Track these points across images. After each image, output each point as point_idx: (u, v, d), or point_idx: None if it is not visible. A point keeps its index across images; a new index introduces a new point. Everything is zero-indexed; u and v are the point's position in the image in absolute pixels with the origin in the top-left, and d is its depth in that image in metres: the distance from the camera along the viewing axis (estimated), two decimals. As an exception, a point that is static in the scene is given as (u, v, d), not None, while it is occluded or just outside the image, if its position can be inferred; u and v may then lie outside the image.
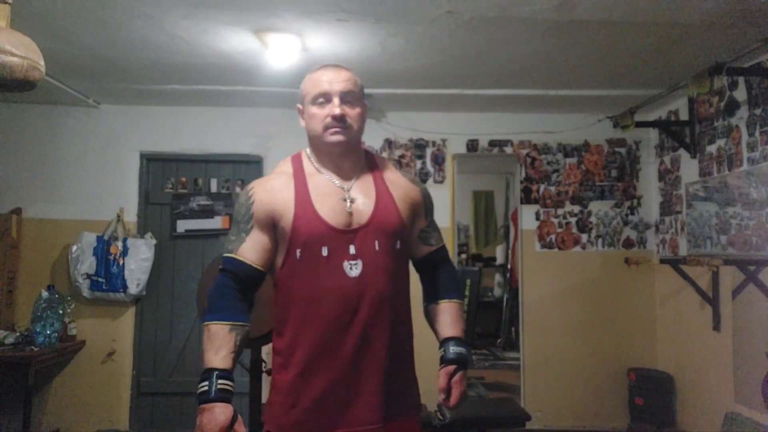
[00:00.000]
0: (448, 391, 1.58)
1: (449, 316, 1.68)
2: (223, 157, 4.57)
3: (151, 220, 4.52)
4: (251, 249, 1.55)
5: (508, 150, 4.71)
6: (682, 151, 4.12)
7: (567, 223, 4.64)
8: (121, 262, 4.23)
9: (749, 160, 3.36)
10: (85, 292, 4.21)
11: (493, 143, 4.69)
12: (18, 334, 3.87)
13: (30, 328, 3.90)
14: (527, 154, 4.68)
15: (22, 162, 4.41)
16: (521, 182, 4.68)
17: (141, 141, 4.52)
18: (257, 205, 1.57)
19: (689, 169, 4.05)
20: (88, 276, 4.19)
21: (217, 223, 4.50)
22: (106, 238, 4.27)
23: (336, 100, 1.56)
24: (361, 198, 1.58)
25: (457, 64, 3.52)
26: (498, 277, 7.39)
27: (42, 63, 1.81)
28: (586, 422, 4.45)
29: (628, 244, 4.63)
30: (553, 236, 4.63)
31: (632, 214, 4.65)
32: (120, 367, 4.37)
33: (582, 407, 4.47)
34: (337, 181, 1.60)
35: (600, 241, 4.63)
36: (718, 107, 3.68)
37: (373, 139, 4.60)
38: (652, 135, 4.65)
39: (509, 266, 6.84)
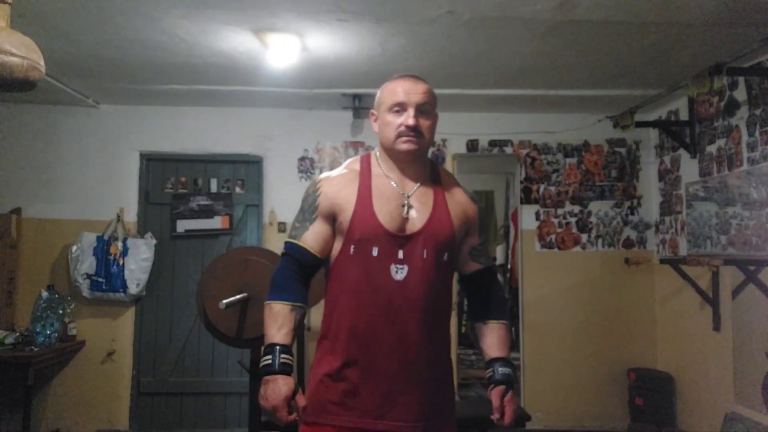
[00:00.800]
0: (501, 409, 1.63)
1: (497, 338, 1.70)
2: (223, 157, 4.57)
3: (151, 220, 4.51)
4: (313, 237, 1.65)
5: (508, 150, 4.70)
6: (682, 151, 4.12)
7: (567, 223, 4.64)
8: (121, 262, 4.23)
9: (749, 160, 3.36)
10: (85, 292, 4.21)
11: (493, 143, 4.69)
12: (18, 334, 3.87)
13: (30, 328, 3.90)
14: (527, 154, 4.68)
15: (22, 162, 4.41)
16: (521, 182, 4.68)
17: (141, 141, 4.52)
18: (323, 197, 1.66)
19: (689, 169, 4.05)
20: (88, 276, 4.19)
21: (216, 223, 4.50)
22: (106, 238, 4.27)
23: (411, 111, 1.62)
24: (418, 206, 1.64)
25: (457, 64, 3.52)
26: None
27: (42, 63, 1.81)
28: (586, 422, 4.45)
29: (628, 244, 4.63)
30: (553, 236, 4.63)
31: (632, 214, 4.65)
32: (120, 367, 4.37)
33: (582, 407, 4.47)
34: (399, 186, 1.67)
35: (600, 241, 4.63)
36: (718, 107, 3.68)
37: (373, 139, 4.60)
38: (652, 135, 4.65)
39: (509, 266, 6.84)
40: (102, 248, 4.23)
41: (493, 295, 1.76)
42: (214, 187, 4.58)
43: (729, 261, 3.40)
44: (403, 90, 1.64)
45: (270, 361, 1.54)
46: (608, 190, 4.67)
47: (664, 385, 4.19)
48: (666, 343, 4.41)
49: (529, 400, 4.47)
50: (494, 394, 1.63)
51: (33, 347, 3.78)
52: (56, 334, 3.92)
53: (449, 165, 4.65)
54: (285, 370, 1.54)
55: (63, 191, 4.43)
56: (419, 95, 1.64)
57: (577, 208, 4.65)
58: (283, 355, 1.55)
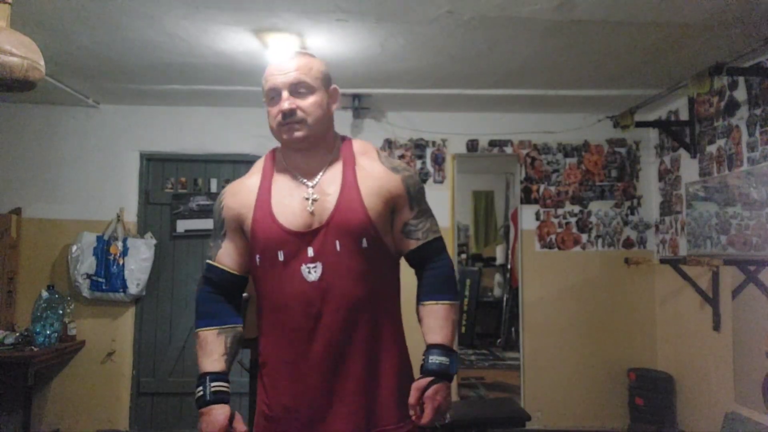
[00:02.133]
0: (419, 407, 1.41)
1: (434, 320, 1.50)
2: (223, 157, 4.57)
3: (151, 220, 4.52)
4: (226, 254, 1.58)
5: (508, 150, 4.71)
6: (682, 151, 4.12)
7: (567, 223, 4.64)
8: (120, 262, 4.23)
9: (749, 160, 3.36)
10: (85, 292, 4.21)
11: (493, 143, 4.69)
12: (18, 334, 3.87)
13: (30, 328, 3.90)
14: (527, 154, 4.68)
15: (22, 162, 4.41)
16: (521, 182, 4.68)
17: (141, 141, 4.52)
18: (225, 210, 1.58)
19: (689, 169, 4.05)
20: (88, 276, 4.19)
21: (217, 223, 4.49)
22: (106, 238, 4.27)
23: (285, 94, 1.45)
24: (323, 195, 1.47)
25: (457, 64, 3.52)
26: (498, 277, 7.39)
27: (42, 63, 1.81)
28: (586, 422, 4.44)
29: (628, 244, 4.63)
30: (553, 236, 4.63)
31: (632, 214, 4.65)
32: (120, 368, 4.37)
33: (582, 407, 4.47)
34: (302, 178, 1.51)
35: (600, 241, 4.63)
36: (718, 107, 3.68)
37: (373, 139, 4.60)
38: (652, 135, 4.65)
39: (509, 266, 6.85)
40: (102, 248, 4.22)
41: (432, 271, 1.54)
42: (214, 187, 4.58)
43: (729, 261, 3.40)
44: (271, 74, 1.48)
45: (201, 393, 1.46)
46: (608, 190, 4.67)
47: (664, 385, 4.19)
48: (666, 343, 4.41)
49: (529, 400, 4.47)
50: (413, 388, 1.43)
51: (33, 347, 3.78)
52: (56, 334, 3.92)
53: (449, 165, 4.65)
54: (218, 399, 1.46)
55: (63, 191, 4.43)
56: (290, 74, 1.45)
57: (577, 208, 4.65)
58: (213, 384, 1.46)
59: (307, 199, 1.48)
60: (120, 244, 4.27)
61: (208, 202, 4.51)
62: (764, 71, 3.22)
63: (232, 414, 1.47)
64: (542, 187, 4.66)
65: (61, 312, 3.95)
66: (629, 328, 4.55)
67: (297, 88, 1.46)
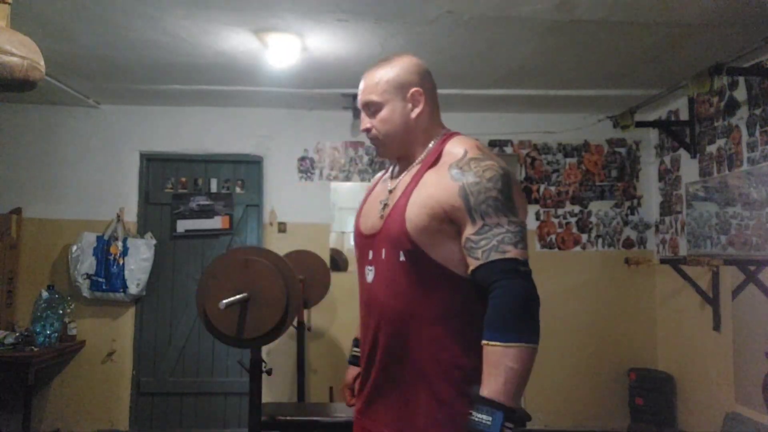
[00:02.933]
0: None
1: (485, 366, 1.27)
2: (223, 157, 4.57)
3: (151, 220, 4.52)
4: None
5: (508, 150, 4.70)
6: (682, 151, 4.12)
7: (567, 223, 4.64)
8: (121, 262, 4.23)
9: (749, 160, 3.36)
10: (85, 292, 4.21)
11: (493, 143, 4.69)
12: (18, 334, 3.87)
13: (30, 328, 3.90)
14: (527, 154, 4.68)
15: (22, 162, 4.41)
16: (521, 182, 4.68)
17: (141, 141, 4.52)
18: None
19: (689, 169, 4.05)
20: (88, 276, 4.19)
21: (217, 223, 4.50)
22: (106, 238, 4.27)
23: (362, 114, 1.52)
24: (392, 201, 1.46)
25: (457, 64, 3.52)
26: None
27: (42, 63, 1.81)
28: (586, 422, 4.44)
29: (628, 244, 4.63)
30: (553, 236, 4.63)
31: (632, 214, 4.65)
32: (120, 367, 4.37)
33: (582, 407, 4.47)
34: (389, 182, 1.56)
35: (600, 241, 4.63)
36: (718, 107, 3.68)
37: (373, 139, 4.60)
38: (652, 135, 4.65)
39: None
40: (102, 248, 4.23)
41: (493, 302, 1.29)
42: (214, 187, 4.58)
43: (729, 261, 3.40)
44: (358, 92, 1.54)
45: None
46: (608, 190, 4.67)
47: (664, 385, 4.19)
48: (666, 343, 4.41)
49: (529, 400, 4.47)
50: None
51: (33, 347, 3.78)
52: (56, 334, 3.92)
53: (449, 165, 4.65)
54: (351, 361, 1.75)
55: (63, 191, 4.43)
56: (364, 95, 1.49)
57: (577, 208, 4.65)
58: (353, 349, 1.74)
59: (382, 203, 1.51)
60: (120, 244, 4.27)
61: (208, 202, 4.51)
62: (764, 71, 3.22)
63: (359, 374, 1.62)
64: (542, 187, 4.66)
65: (61, 312, 3.96)
66: (629, 328, 4.55)
67: (368, 109, 1.50)
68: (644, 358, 4.48)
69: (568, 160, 4.69)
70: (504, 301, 1.27)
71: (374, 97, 1.47)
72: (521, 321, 1.25)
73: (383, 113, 1.47)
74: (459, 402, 1.34)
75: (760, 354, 3.21)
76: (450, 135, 1.51)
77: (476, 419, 1.23)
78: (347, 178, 4.62)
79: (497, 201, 1.32)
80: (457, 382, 1.35)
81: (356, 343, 1.69)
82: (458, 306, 1.38)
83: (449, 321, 1.38)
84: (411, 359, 1.39)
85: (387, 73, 1.48)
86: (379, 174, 1.71)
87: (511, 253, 1.29)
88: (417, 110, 1.48)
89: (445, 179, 1.38)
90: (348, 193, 4.70)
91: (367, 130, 1.50)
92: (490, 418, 1.21)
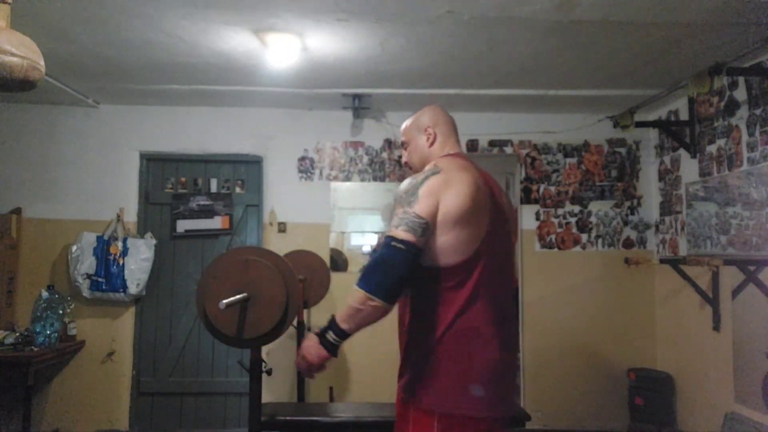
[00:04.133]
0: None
1: None
2: (223, 157, 4.57)
3: (151, 220, 4.52)
4: None
5: (508, 150, 4.71)
6: (682, 151, 4.12)
7: (567, 223, 4.64)
8: (121, 262, 4.23)
9: (749, 160, 3.36)
10: (85, 292, 4.21)
11: (493, 143, 4.69)
12: (18, 334, 3.87)
13: (30, 328, 3.90)
14: (527, 154, 4.68)
15: (22, 162, 4.41)
16: (521, 182, 4.68)
17: (141, 141, 4.52)
18: None
19: (689, 169, 4.05)
20: (88, 276, 4.19)
21: (216, 223, 4.50)
22: (106, 238, 4.27)
23: (402, 150, 2.13)
24: None
25: (457, 64, 3.52)
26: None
27: (42, 63, 1.81)
28: (586, 422, 4.44)
29: (628, 244, 4.63)
30: (553, 236, 4.63)
31: (632, 214, 4.65)
32: (120, 367, 4.37)
33: (582, 407, 4.47)
34: None
35: (600, 241, 4.63)
36: (718, 107, 3.68)
37: (373, 139, 4.61)
38: (652, 135, 4.65)
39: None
40: (102, 248, 4.23)
41: None
42: (214, 187, 4.58)
43: (729, 261, 3.40)
44: None
45: None
46: (608, 190, 4.67)
47: (664, 385, 4.19)
48: (666, 343, 4.41)
49: (529, 399, 4.47)
50: None
51: (33, 347, 3.78)
52: (56, 334, 3.92)
53: (449, 165, 4.64)
54: None
55: (63, 191, 4.43)
56: (401, 137, 2.10)
57: (577, 208, 4.65)
58: None
59: None
60: (120, 244, 4.27)
61: (208, 202, 4.51)
62: (764, 71, 3.23)
63: None
64: (542, 187, 4.66)
65: (61, 312, 3.95)
66: (629, 328, 4.55)
67: (403, 146, 2.11)
68: (644, 358, 4.48)
69: (568, 160, 4.69)
70: (370, 260, 1.79)
71: (404, 139, 2.09)
72: (368, 275, 1.73)
73: (410, 148, 2.06)
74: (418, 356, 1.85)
75: (759, 354, 3.21)
76: (440, 158, 1.93)
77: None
78: (347, 178, 4.62)
79: (400, 197, 1.79)
80: (415, 340, 1.87)
81: None
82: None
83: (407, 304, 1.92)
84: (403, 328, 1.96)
85: (412, 119, 2.06)
86: None
87: (392, 232, 1.74)
88: (429, 141, 2.01)
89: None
90: (348, 193, 4.70)
91: (405, 164, 2.10)
92: (325, 325, 1.80)
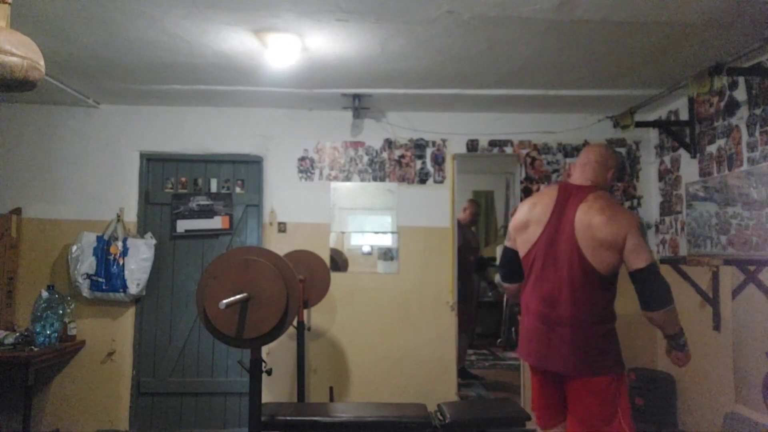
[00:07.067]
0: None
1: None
2: (223, 157, 4.57)
3: (151, 220, 4.52)
4: None
5: (508, 150, 4.71)
6: (682, 151, 4.12)
7: (567, 223, 4.63)
8: (121, 262, 4.23)
9: (749, 160, 3.36)
10: (85, 292, 4.21)
11: (493, 143, 4.69)
12: (18, 334, 3.87)
13: (30, 328, 3.90)
14: (527, 154, 4.68)
15: (22, 162, 4.41)
16: (521, 182, 4.68)
17: (141, 141, 4.52)
18: None
19: (689, 169, 4.05)
20: (88, 276, 4.19)
21: (217, 223, 4.50)
22: (106, 238, 4.27)
23: None
24: None
25: (457, 64, 3.52)
26: (498, 278, 7.38)
27: (42, 63, 1.81)
28: (586, 422, 4.43)
29: (628, 244, 4.61)
30: (553, 236, 4.62)
31: (632, 214, 4.65)
32: (120, 367, 4.37)
33: (582, 407, 4.46)
34: None
35: (600, 241, 4.62)
36: (718, 107, 3.68)
37: (373, 139, 4.61)
38: (652, 135, 4.65)
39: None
40: (102, 248, 4.23)
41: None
42: (214, 187, 4.58)
43: (729, 261, 3.40)
44: None
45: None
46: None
47: (664, 385, 4.19)
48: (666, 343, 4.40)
49: (529, 400, 4.46)
50: None
51: (33, 347, 3.78)
52: (56, 334, 3.92)
53: (449, 165, 4.65)
54: None
55: (63, 191, 4.44)
56: None
57: (577, 208, 4.64)
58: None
59: None
60: (120, 244, 4.27)
61: (208, 202, 4.51)
62: (764, 71, 3.23)
63: None
64: (542, 187, 4.66)
65: (61, 312, 3.96)
66: (629, 328, 4.53)
67: None
68: (644, 358, 4.48)
69: (568, 160, 4.69)
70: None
71: None
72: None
73: None
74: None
75: (759, 354, 3.21)
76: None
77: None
78: (347, 178, 4.63)
79: None
80: None
81: None
82: None
83: None
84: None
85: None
86: None
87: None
88: (566, 174, 2.55)
89: None
90: (348, 193, 4.71)
91: None
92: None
